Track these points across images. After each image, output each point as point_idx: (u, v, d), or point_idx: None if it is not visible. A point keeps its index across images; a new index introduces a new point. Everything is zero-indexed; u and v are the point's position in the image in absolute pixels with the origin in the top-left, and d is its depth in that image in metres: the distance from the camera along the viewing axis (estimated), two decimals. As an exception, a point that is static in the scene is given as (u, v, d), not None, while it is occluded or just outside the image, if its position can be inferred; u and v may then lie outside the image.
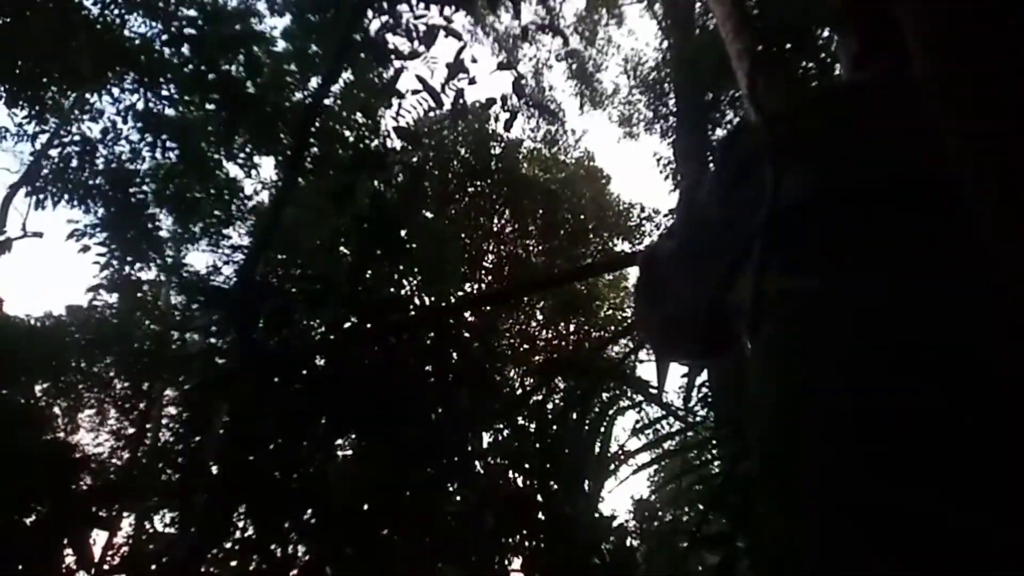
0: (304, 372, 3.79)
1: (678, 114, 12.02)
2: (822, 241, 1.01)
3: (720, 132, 12.34)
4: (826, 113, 1.20)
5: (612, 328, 14.41)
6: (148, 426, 14.07)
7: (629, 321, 14.24)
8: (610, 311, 15.23)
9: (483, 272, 14.19)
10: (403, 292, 6.42)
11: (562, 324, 14.89)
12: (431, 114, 13.07)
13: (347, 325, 4.16)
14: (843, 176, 1.04)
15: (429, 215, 11.92)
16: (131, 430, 14.49)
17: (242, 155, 9.19)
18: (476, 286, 13.74)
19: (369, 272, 4.71)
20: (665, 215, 14.43)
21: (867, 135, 1.11)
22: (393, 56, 5.28)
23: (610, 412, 3.30)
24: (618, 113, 18.23)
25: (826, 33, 9.38)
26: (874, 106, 1.16)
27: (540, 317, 15.11)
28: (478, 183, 14.22)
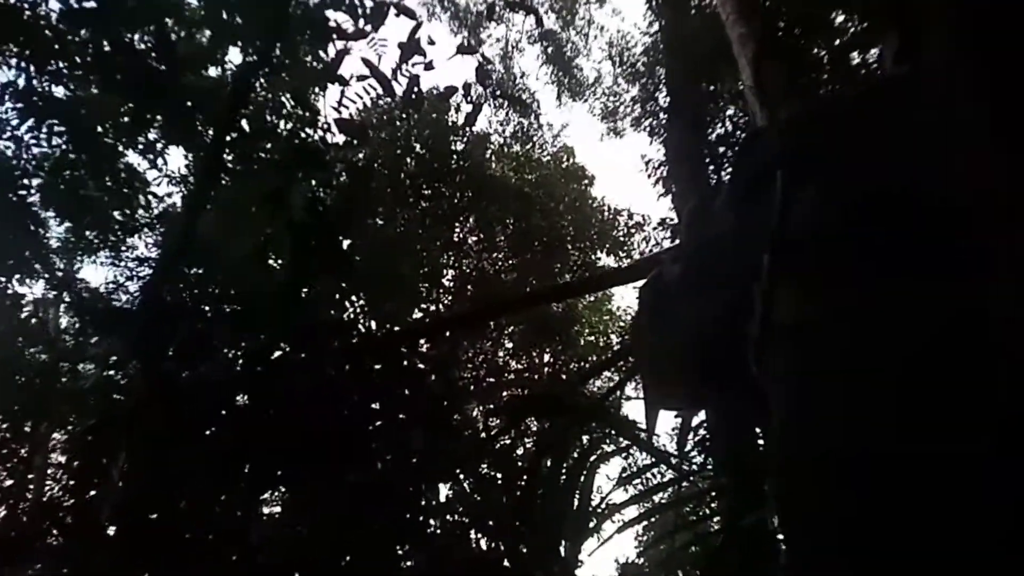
0: (224, 410, 3.74)
1: (670, 108, 12.24)
2: (834, 269, 1.04)
3: (719, 130, 12.60)
4: (841, 124, 1.24)
5: (594, 357, 14.47)
6: (31, 476, 13.66)
7: (613, 350, 14.34)
8: (591, 337, 15.34)
9: (442, 290, 14.19)
10: (346, 315, 6.38)
11: (535, 352, 14.93)
12: (380, 104, 13.14)
13: (278, 354, 4.13)
14: (857, 194, 1.08)
15: (378, 222, 11.88)
16: (9, 482, 14.04)
17: (147, 143, 8.89)
18: (434, 307, 13.74)
19: (305, 290, 4.68)
20: (657, 226, 14.62)
21: (883, 149, 1.16)
22: (335, 36, 5.30)
23: (591, 459, 3.31)
24: (601, 106, 18.49)
25: (841, 17, 9.67)
26: (895, 114, 1.21)
27: (509, 344, 15.14)
28: (437, 185, 14.27)
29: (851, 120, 1.32)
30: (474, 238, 15.21)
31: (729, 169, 11.82)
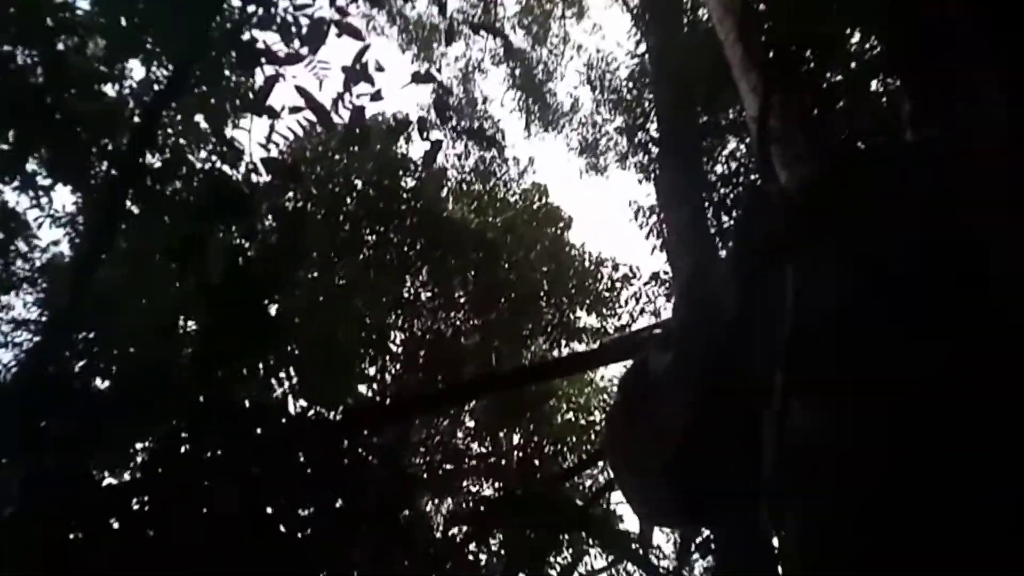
0: (119, 519, 3.64)
1: (661, 142, 12.47)
2: (857, 371, 1.05)
3: (719, 168, 12.85)
4: (858, 191, 1.27)
5: (573, 439, 14.42)
6: None
7: (599, 437, 14.30)
8: (571, 415, 15.32)
9: (389, 359, 14.09)
10: (273, 395, 6.27)
11: (502, 434, 14.82)
12: (317, 137, 13.22)
13: (187, 447, 4.05)
14: (885, 277, 1.10)
15: (312, 276, 11.83)
16: None
17: (28, 176, 8.62)
18: (380, 379, 13.61)
19: (223, 365, 4.62)
20: (648, 281, 14.75)
21: (906, 220, 1.18)
22: (264, 59, 5.33)
23: None
24: (579, 138, 18.82)
25: (857, 36, 9.99)
26: (915, 181, 1.24)
27: (471, 423, 15.02)
28: (383, 230, 14.29)
29: (877, 183, 1.34)
30: (428, 294, 15.19)
31: (731, 224, 12.05)
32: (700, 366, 1.37)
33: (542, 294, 15.41)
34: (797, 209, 1.34)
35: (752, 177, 12.21)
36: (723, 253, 12.32)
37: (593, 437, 14.84)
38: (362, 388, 12.79)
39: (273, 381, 6.11)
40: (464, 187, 17.04)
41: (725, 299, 1.37)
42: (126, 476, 4.50)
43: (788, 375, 1.10)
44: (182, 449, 4.19)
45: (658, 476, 1.39)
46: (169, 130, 6.67)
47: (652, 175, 14.05)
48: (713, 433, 1.32)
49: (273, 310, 6.42)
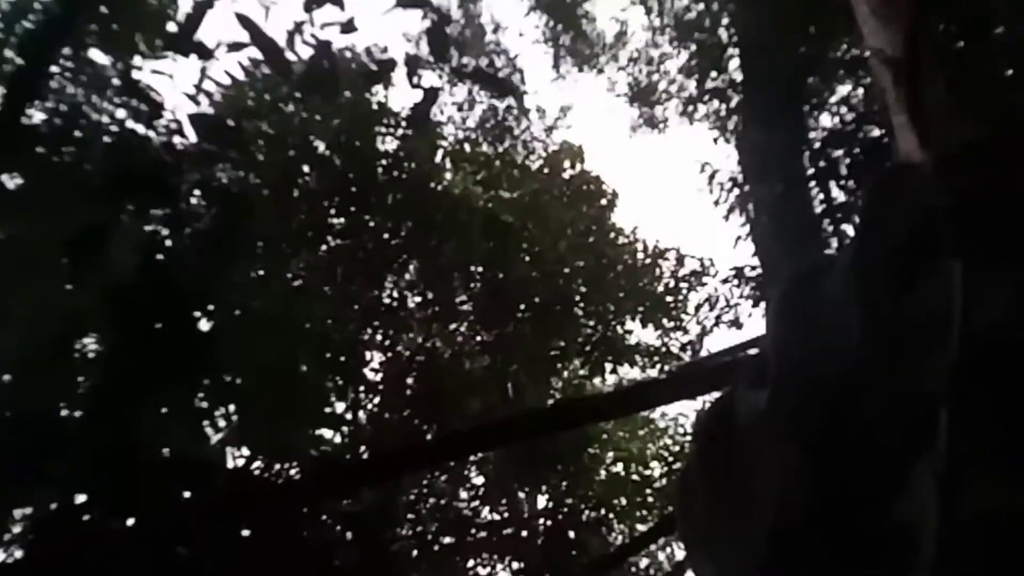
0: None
1: (745, 85, 12.43)
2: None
3: (826, 122, 12.81)
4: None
5: (624, 504, 14.35)
6: None
7: (668, 499, 14.12)
8: (618, 466, 15.26)
9: (366, 392, 14.07)
10: (204, 444, 6.25)
11: (522, 494, 14.76)
12: (265, 85, 13.18)
13: (85, 518, 4.08)
14: None
15: (259, 275, 11.79)
16: None
17: None
18: (352, 420, 13.60)
19: (134, 404, 4.63)
20: (728, 280, 14.66)
21: None
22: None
23: None
24: (629, 80, 18.72)
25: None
26: None
27: (479, 479, 15.00)
28: (355, 211, 14.29)
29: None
30: (417, 299, 15.19)
31: (848, 203, 11.93)
32: (807, 414, 1.35)
33: (577, 298, 15.42)
34: (958, 190, 1.31)
35: (876, 135, 12.12)
36: (835, 245, 12.26)
37: (653, 499, 14.79)
38: (327, 433, 12.77)
39: (205, 424, 6.10)
40: (468, 151, 17.00)
41: (843, 316, 1.34)
42: None
43: (958, 432, 1.08)
44: (78, 520, 4.21)
45: (748, 570, 1.37)
46: (60, 76, 6.68)
47: (733, 132, 14.00)
48: (827, 512, 1.29)
49: (205, 324, 6.42)
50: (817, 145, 12.62)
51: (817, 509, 1.29)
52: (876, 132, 12.45)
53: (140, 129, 6.29)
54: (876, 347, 1.26)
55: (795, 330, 1.43)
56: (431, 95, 6.07)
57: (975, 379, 1.13)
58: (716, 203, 13.98)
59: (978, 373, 1.13)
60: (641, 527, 14.35)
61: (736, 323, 15.07)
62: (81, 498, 4.36)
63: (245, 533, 4.46)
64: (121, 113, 6.66)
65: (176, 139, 6.14)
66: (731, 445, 1.50)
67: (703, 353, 15.66)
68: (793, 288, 1.54)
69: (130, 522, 4.38)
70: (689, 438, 15.84)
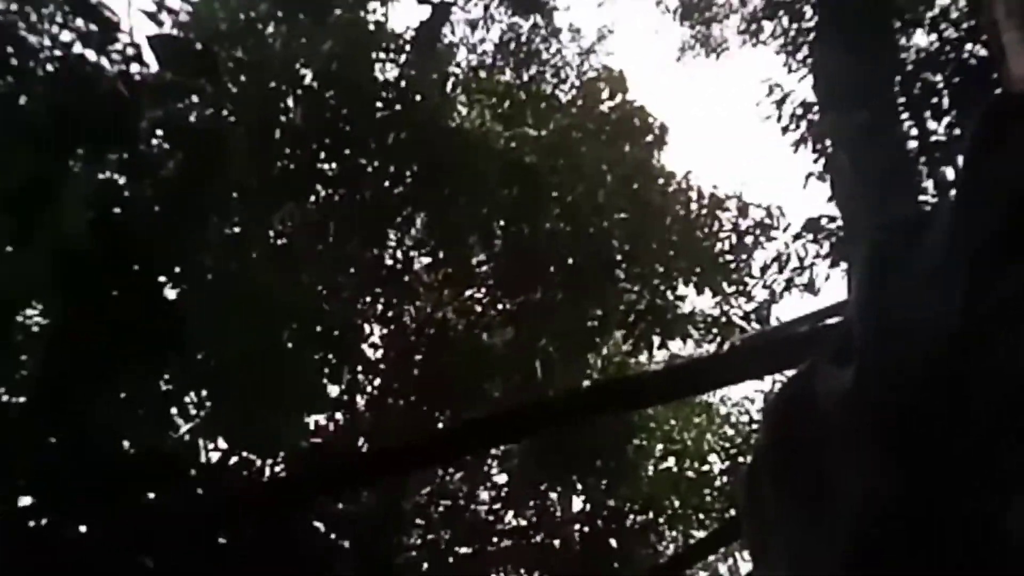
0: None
1: (823, 1, 12.37)
2: None
3: (919, 40, 12.74)
4: None
5: (678, 506, 14.38)
6: None
7: (734, 498, 14.07)
8: (669, 460, 15.22)
9: (365, 373, 14.10)
10: (173, 435, 6.28)
11: (556, 496, 14.78)
12: (241, 1, 13.11)
13: (35, 522, 4.13)
14: None
15: (235, 233, 11.79)
16: None
17: None
18: (348, 405, 13.65)
19: (88, 386, 4.66)
20: (800, 234, 14.62)
21: None
22: None
23: None
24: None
25: None
26: None
27: (502, 477, 15.01)
28: (349, 153, 14.28)
29: None
30: (426, 259, 15.20)
31: (952, 144, 11.82)
32: (899, 396, 1.36)
33: (619, 258, 15.40)
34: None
35: (981, 57, 12.03)
36: (932, 190, 12.17)
37: (712, 500, 14.81)
38: (319, 420, 12.80)
39: (173, 411, 6.13)
40: (485, 80, 16.95)
41: (943, 281, 1.34)
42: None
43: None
44: (23, 527, 4.26)
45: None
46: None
47: (806, 54, 13.93)
48: (922, 513, 1.31)
49: (171, 292, 6.44)
50: (909, 68, 12.55)
51: (910, 509, 1.31)
52: (982, 52, 12.40)
53: (91, 56, 6.31)
54: (983, 319, 1.26)
55: (886, 296, 1.43)
56: (442, 10, 6.05)
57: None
58: (785, 131, 13.93)
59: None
60: (698, 533, 14.40)
61: (811, 287, 15.06)
62: (25, 501, 4.40)
63: (222, 541, 4.50)
64: (67, 36, 6.68)
65: (134, 68, 6.14)
66: (810, 431, 1.51)
67: (772, 323, 15.60)
68: (883, 245, 1.54)
69: (83, 529, 4.43)
70: (757, 425, 15.83)
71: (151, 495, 4.65)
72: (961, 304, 1.23)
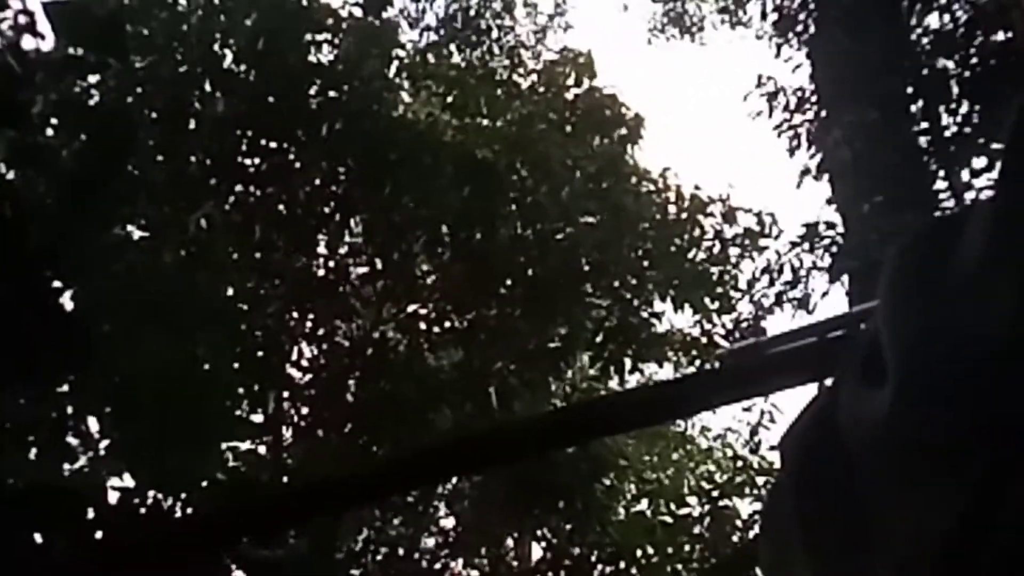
0: None
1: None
2: None
3: (931, 22, 12.84)
4: None
5: (653, 555, 14.41)
6: None
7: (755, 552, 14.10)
8: (646, 507, 15.26)
9: (293, 397, 14.07)
10: (70, 467, 6.17)
11: (512, 542, 14.79)
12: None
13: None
14: None
15: (144, 234, 11.72)
16: None
17: None
18: (273, 434, 13.61)
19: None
20: (797, 245, 14.68)
21: None
22: None
23: None
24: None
25: None
26: None
27: (450, 522, 15.03)
28: (276, 147, 14.27)
29: None
30: (364, 268, 15.18)
31: (969, 140, 11.88)
32: (944, 417, 1.31)
33: (586, 269, 15.41)
34: None
35: (1000, 40, 12.11)
36: (947, 192, 12.21)
37: (693, 548, 14.87)
38: (240, 452, 12.73)
39: (71, 439, 6.05)
40: (433, 60, 16.97)
41: (986, 287, 1.30)
42: None
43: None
44: None
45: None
46: None
47: (804, 37, 14.02)
48: (975, 548, 1.26)
49: (68, 300, 6.37)
50: (919, 54, 12.64)
51: (963, 543, 1.25)
52: (1000, 36, 12.49)
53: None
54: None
55: (923, 306, 1.38)
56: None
57: None
58: (779, 131, 13.99)
59: None
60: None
61: (805, 303, 15.10)
62: None
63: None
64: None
65: (28, 40, 6.08)
66: (838, 466, 1.46)
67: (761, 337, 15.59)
68: (917, 250, 1.49)
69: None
70: (743, 463, 15.91)
71: (39, 537, 4.60)
72: (1010, 311, 1.20)
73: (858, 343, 1.43)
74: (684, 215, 16.25)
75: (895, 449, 1.30)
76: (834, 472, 1.39)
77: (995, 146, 12.75)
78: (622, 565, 14.61)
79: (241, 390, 12.01)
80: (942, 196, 12.43)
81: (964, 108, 12.52)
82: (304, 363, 14.63)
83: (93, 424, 6.34)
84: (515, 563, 15.05)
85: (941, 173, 12.61)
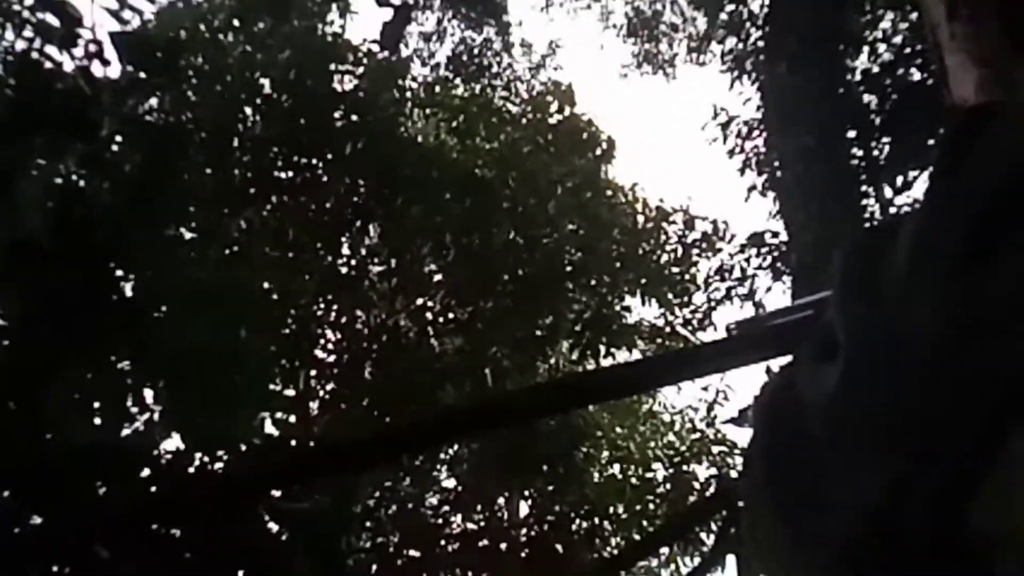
0: None
1: (771, 18, 12.40)
2: None
3: (863, 62, 12.80)
4: None
5: (619, 510, 14.34)
6: None
7: (664, 497, 14.06)
8: (614, 466, 15.23)
9: (318, 375, 14.01)
10: (128, 430, 6.16)
11: (502, 497, 14.71)
12: (202, 8, 12.96)
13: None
14: None
15: (193, 235, 11.68)
16: None
17: None
18: (301, 406, 13.53)
19: (44, 378, 4.56)
20: (744, 247, 14.65)
21: None
22: None
23: None
24: (627, 13, 18.68)
25: None
26: None
27: (449, 482, 14.93)
28: (305, 160, 14.21)
29: None
30: (379, 268, 15.12)
31: (891, 162, 11.90)
32: (882, 400, 1.27)
33: (568, 269, 15.38)
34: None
35: (917, 79, 12.10)
36: (874, 207, 12.21)
37: (657, 505, 14.80)
38: (275, 418, 12.65)
39: (128, 408, 6.03)
40: (440, 91, 16.91)
41: (915, 291, 1.27)
42: None
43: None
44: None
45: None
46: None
47: (754, 73, 13.96)
48: (903, 515, 1.22)
49: (129, 289, 6.34)
50: (852, 90, 12.62)
51: (893, 511, 1.22)
52: (916, 75, 12.50)
53: (54, 53, 6.21)
54: (952, 327, 1.18)
55: (864, 300, 1.35)
56: (399, 20, 5.99)
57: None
58: (731, 154, 13.95)
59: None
60: (644, 537, 14.37)
61: (751, 297, 15.12)
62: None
63: (175, 534, 4.41)
64: (30, 33, 6.56)
65: (96, 66, 6.03)
66: (799, 429, 1.42)
67: (725, 326, 15.60)
68: (860, 250, 1.46)
69: (37, 521, 4.33)
70: (727, 428, 15.96)
71: (102, 488, 4.56)
72: (933, 312, 1.18)
73: (817, 324, 1.41)
74: (651, 223, 16.24)
75: (840, 421, 1.27)
76: (794, 438, 1.36)
77: (912, 171, 12.88)
78: (597, 520, 14.56)
79: (275, 368, 11.97)
80: (870, 209, 12.50)
81: (888, 136, 12.56)
82: (329, 346, 14.58)
83: (148, 394, 6.34)
84: (506, 518, 14.97)
85: (869, 190, 12.63)
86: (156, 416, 6.39)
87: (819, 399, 1.32)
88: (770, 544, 1.40)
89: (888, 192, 13.04)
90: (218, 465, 7.44)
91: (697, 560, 13.33)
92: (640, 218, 16.26)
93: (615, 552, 14.57)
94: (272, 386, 11.42)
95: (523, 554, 14.29)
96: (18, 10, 6.31)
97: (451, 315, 14.95)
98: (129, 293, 5.96)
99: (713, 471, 15.36)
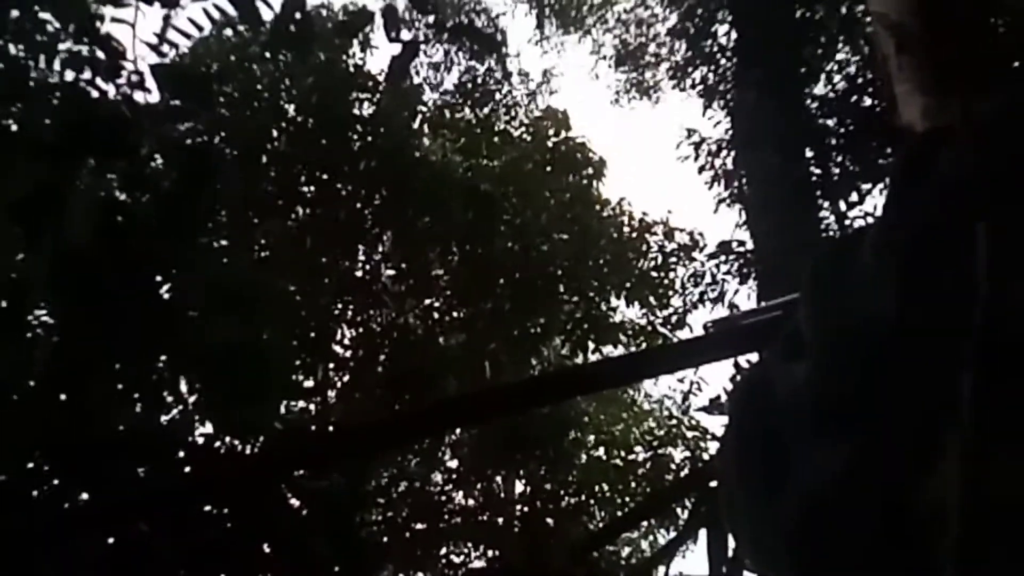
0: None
1: (739, 50, 12.40)
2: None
3: (822, 89, 12.79)
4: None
5: (604, 488, 14.34)
6: None
7: (643, 477, 14.11)
8: (599, 450, 15.23)
9: (336, 368, 14.00)
10: (164, 419, 6.19)
11: (498, 477, 14.71)
12: (234, 41, 13.00)
13: (39, 493, 4.03)
14: None
15: (223, 243, 11.70)
16: None
17: None
18: (320, 395, 13.54)
19: (90, 374, 4.57)
20: (715, 256, 14.66)
21: None
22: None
23: None
24: (616, 43, 18.67)
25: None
26: None
27: (453, 463, 14.94)
28: (327, 177, 14.20)
29: None
30: (391, 272, 15.11)
31: (846, 180, 11.91)
32: (846, 391, 1.31)
33: (560, 274, 15.36)
34: (998, 160, 1.27)
35: (867, 105, 12.12)
36: (833, 220, 12.23)
37: (638, 484, 14.81)
38: (295, 407, 12.68)
39: (164, 398, 6.05)
40: (448, 115, 16.91)
41: (876, 296, 1.30)
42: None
43: (986, 412, 1.04)
44: (27, 495, 4.17)
45: (779, 551, 1.34)
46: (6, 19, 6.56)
47: (724, 99, 13.97)
48: (858, 490, 1.26)
49: (166, 292, 6.36)
50: (812, 114, 12.64)
51: (849, 487, 1.26)
52: (866, 102, 12.52)
53: (99, 82, 6.21)
54: (908, 328, 1.23)
55: (831, 303, 1.39)
56: (411, 47, 6.00)
57: (1009, 361, 1.09)
58: (701, 170, 13.98)
59: (1012, 354, 1.09)
60: (624, 514, 14.37)
61: (720, 299, 15.16)
62: (30, 472, 4.30)
63: (207, 510, 4.42)
64: (79, 63, 6.56)
65: (137, 94, 6.04)
66: (768, 416, 1.46)
67: (699, 326, 15.68)
68: (826, 259, 1.50)
69: (85, 497, 4.34)
70: (700, 415, 15.98)
71: (140, 471, 4.57)
72: (890, 316, 1.20)
73: (786, 326, 1.44)
74: (635, 234, 16.25)
75: (807, 409, 1.30)
76: (765, 425, 1.39)
77: (864, 185, 12.92)
78: (583, 497, 14.57)
79: (296, 362, 11.97)
80: (826, 221, 12.56)
81: (843, 155, 12.60)
82: (346, 342, 14.57)
83: (183, 385, 6.36)
84: (502, 496, 14.96)
85: (825, 203, 12.67)
86: (190, 405, 6.41)
87: (787, 392, 1.35)
88: (741, 516, 1.44)
89: (843, 206, 13.15)
90: (245, 448, 7.46)
91: (673, 533, 13.38)
92: (626, 229, 16.28)
93: (600, 526, 14.59)
94: (294, 378, 11.45)
95: (517, 527, 14.31)
96: (68, 47, 6.34)
97: (455, 314, 14.95)
98: (166, 296, 5.98)
99: (687, 454, 15.42)
